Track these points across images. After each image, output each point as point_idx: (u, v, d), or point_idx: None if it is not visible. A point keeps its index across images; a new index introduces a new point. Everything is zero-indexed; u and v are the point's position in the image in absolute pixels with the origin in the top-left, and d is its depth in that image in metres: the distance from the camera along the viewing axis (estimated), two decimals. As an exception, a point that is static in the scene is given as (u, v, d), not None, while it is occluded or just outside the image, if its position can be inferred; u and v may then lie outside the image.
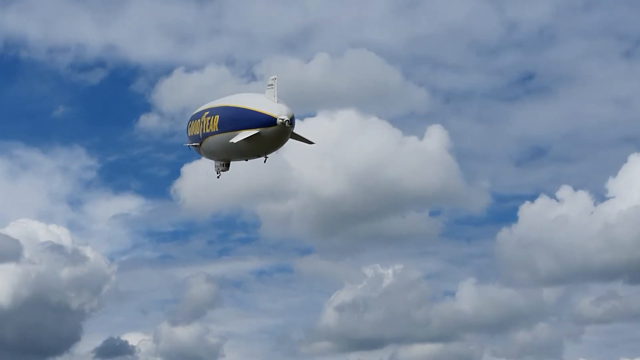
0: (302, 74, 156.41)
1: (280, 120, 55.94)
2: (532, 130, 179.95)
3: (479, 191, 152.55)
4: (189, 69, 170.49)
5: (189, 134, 65.50)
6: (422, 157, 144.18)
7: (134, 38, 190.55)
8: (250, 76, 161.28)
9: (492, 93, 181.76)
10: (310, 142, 62.17)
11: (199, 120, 63.31)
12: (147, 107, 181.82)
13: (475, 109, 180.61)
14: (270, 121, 56.45)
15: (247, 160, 63.02)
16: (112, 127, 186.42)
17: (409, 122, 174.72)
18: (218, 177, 65.87)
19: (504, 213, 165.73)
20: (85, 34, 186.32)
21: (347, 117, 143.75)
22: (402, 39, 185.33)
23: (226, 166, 64.86)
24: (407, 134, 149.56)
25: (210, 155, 64.60)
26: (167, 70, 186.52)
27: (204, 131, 62.18)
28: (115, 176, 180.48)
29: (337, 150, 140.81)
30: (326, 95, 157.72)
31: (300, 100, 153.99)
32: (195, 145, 64.67)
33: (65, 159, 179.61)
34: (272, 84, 57.23)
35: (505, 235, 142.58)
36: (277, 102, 56.79)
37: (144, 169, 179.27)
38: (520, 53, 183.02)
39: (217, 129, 60.64)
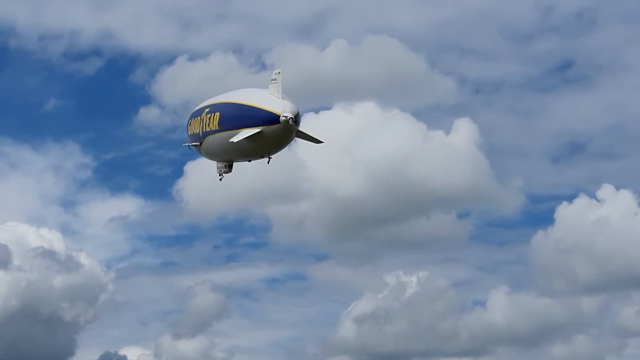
0: (317, 63, 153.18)
1: (284, 118, 54.57)
2: (570, 123, 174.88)
3: (512, 191, 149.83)
4: (193, 57, 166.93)
5: (189, 133, 64.13)
6: (449, 154, 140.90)
7: (133, 24, 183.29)
8: (259, 65, 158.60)
9: (526, 83, 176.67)
10: (318, 142, 61.22)
11: (199, 117, 62.00)
12: (147, 99, 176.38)
13: (508, 101, 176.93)
14: (273, 119, 55.05)
15: (250, 161, 61.48)
16: (109, 122, 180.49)
17: (435, 115, 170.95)
18: (220, 179, 64.37)
19: (539, 215, 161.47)
20: (79, 19, 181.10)
21: (366, 110, 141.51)
22: (427, 24, 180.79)
23: (229, 167, 63.43)
24: (432, 128, 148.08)
25: (211, 155, 63.27)
26: (168, 59, 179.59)
27: (204, 130, 60.93)
28: (112, 175, 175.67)
29: (355, 147, 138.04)
30: (343, 86, 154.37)
31: (315, 91, 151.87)
32: (195, 145, 63.31)
33: (58, 157, 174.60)
34: (275, 79, 55.97)
35: (541, 239, 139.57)
36: (281, 98, 55.44)
37: (143, 167, 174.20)
38: (556, 39, 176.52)
39: (217, 127, 59.35)
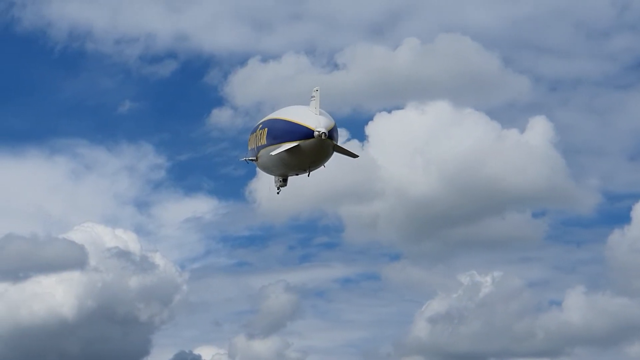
0: (389, 62, 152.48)
1: (317, 133, 57.57)
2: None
3: (588, 189, 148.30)
4: (265, 58, 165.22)
5: (249, 148, 67.08)
6: (523, 152, 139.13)
7: (207, 26, 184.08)
8: (332, 66, 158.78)
9: (603, 81, 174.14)
10: (354, 156, 63.00)
11: (255, 134, 65.27)
12: (219, 101, 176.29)
13: (585, 99, 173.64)
14: (308, 134, 58.25)
15: (297, 174, 64.47)
16: (182, 123, 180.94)
17: (509, 114, 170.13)
18: (278, 193, 67.43)
19: (616, 213, 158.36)
20: (154, 23, 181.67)
21: (439, 109, 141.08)
22: (501, 22, 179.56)
23: (284, 182, 66.53)
24: (506, 127, 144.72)
25: (265, 169, 66.24)
26: (241, 61, 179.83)
27: (258, 144, 64.19)
28: (186, 176, 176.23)
29: (428, 146, 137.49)
30: (416, 85, 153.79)
31: (387, 91, 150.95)
32: (253, 160, 66.30)
33: (132, 158, 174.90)
34: (314, 96, 59.13)
35: (617, 238, 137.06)
36: (318, 114, 58.44)
37: (218, 168, 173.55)
38: (633, 36, 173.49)
39: (265, 142, 62.65)
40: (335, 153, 60.76)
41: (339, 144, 60.08)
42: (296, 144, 58.49)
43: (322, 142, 57.78)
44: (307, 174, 62.23)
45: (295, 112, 60.31)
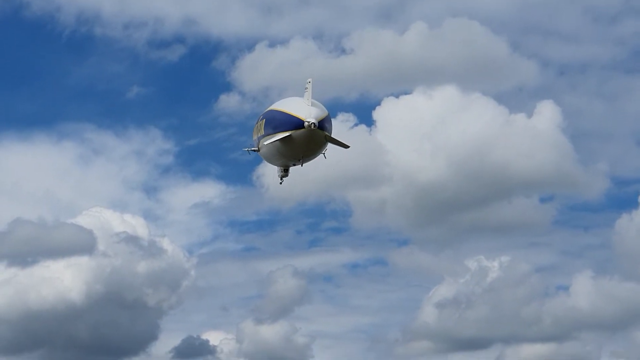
0: (397, 47, 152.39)
1: (307, 123, 59.47)
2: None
3: (596, 174, 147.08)
4: (273, 43, 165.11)
5: (253, 138, 68.61)
6: (531, 137, 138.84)
7: (216, 10, 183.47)
8: (339, 50, 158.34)
9: (612, 65, 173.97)
10: (345, 146, 63.46)
11: (256, 124, 67.16)
12: (227, 87, 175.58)
13: (593, 83, 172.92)
14: (299, 124, 60.23)
15: (294, 165, 66.39)
16: (190, 108, 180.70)
17: (517, 99, 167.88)
18: (280, 183, 69.42)
19: (624, 198, 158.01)
20: (163, 7, 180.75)
21: (447, 94, 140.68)
22: (509, 6, 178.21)
23: (285, 172, 68.52)
24: (514, 112, 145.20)
25: (265, 159, 68.09)
26: (249, 46, 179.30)
27: (258, 135, 66.07)
28: (194, 161, 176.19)
29: (436, 131, 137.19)
30: (423, 70, 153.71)
31: (395, 76, 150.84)
32: (255, 150, 68.21)
33: (140, 143, 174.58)
34: (307, 87, 60.78)
35: (625, 222, 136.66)
36: (310, 105, 60.27)
37: (225, 153, 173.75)
38: None
39: (263, 133, 64.55)
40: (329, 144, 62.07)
41: (332, 134, 61.33)
42: (288, 134, 60.40)
43: (312, 132, 59.49)
44: (301, 164, 64.27)
45: (290, 103, 62.26)
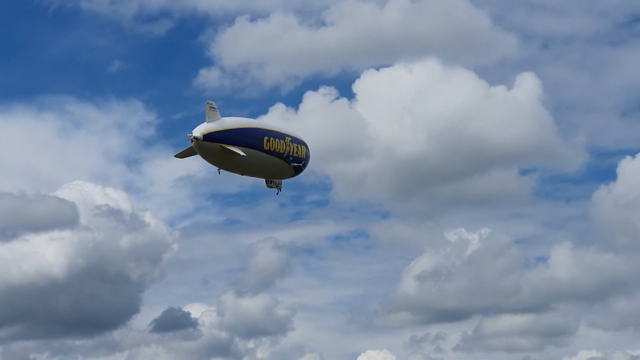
0: (377, 20, 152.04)
1: (189, 136, 64.51)
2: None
3: (576, 146, 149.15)
4: (254, 17, 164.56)
5: None
6: (511, 109, 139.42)
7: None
8: (319, 23, 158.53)
9: (595, 37, 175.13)
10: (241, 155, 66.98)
11: None
12: (207, 61, 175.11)
13: (577, 56, 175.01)
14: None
15: (269, 182, 73.90)
16: (172, 81, 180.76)
17: (500, 72, 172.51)
18: (277, 194, 75.77)
19: (605, 170, 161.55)
20: None
21: (427, 67, 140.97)
22: None
23: (267, 183, 74.05)
24: (494, 85, 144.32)
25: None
26: (230, 20, 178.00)
27: None
28: (176, 133, 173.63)
29: (416, 104, 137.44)
30: (404, 43, 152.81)
31: (375, 49, 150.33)
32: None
33: (122, 115, 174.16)
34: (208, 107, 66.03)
35: (603, 194, 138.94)
36: (207, 122, 64.86)
37: None
38: None
39: None
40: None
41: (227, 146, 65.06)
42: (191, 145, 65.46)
43: (197, 144, 64.12)
44: (218, 171, 67.65)
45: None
